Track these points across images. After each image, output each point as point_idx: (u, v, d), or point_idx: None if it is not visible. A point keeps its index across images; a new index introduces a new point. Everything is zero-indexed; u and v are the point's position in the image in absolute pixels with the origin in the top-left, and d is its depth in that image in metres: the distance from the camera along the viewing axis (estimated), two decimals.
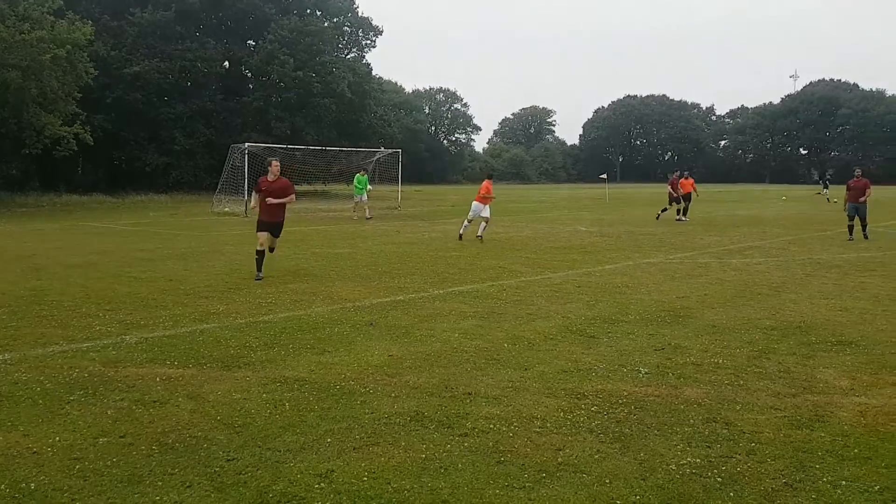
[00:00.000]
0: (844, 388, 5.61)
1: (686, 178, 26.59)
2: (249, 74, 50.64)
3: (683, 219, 25.24)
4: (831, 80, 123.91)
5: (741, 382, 5.74)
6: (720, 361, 6.37)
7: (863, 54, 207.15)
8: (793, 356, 6.55)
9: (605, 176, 49.28)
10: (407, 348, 6.79)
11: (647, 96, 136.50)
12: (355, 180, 27.15)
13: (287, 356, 6.52)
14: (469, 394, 5.42)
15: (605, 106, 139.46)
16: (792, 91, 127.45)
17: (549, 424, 4.79)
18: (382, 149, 40.16)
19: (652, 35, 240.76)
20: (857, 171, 19.13)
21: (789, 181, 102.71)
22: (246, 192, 29.04)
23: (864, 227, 18.12)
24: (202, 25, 48.53)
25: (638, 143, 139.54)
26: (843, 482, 3.90)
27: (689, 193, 26.12)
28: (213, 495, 3.77)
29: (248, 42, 50.22)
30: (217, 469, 4.08)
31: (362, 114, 50.76)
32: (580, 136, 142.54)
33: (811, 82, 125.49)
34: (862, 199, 18.02)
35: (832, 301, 9.33)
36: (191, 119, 44.15)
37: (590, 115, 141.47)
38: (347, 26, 55.00)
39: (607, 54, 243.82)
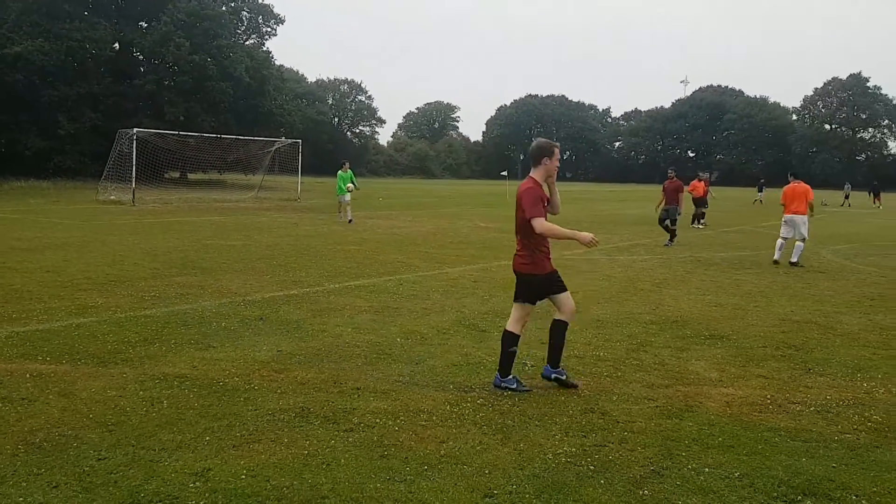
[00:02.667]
0: (713, 379, 5.96)
1: (698, 181, 24.13)
2: (141, 57, 48.44)
3: (699, 225, 23.31)
4: (718, 86, 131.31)
5: (619, 374, 6.00)
6: (601, 354, 6.63)
7: (748, 63, 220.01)
8: (668, 349, 6.89)
9: (505, 173, 50.20)
10: (297, 343, 6.69)
11: (548, 96, 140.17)
12: (338, 178, 21.75)
13: (168, 352, 6.29)
14: (358, 389, 5.40)
15: (508, 104, 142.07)
16: (682, 96, 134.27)
17: (435, 418, 4.84)
18: (283, 138, 39.34)
19: (555, 34, 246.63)
20: (671, 173, 18.21)
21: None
22: (134, 179, 27.81)
23: (672, 231, 17.15)
24: (91, 5, 45.95)
25: None
26: (707, 469, 4.13)
27: (703, 198, 23.99)
28: (80, 496, 3.60)
29: (141, 24, 47.96)
30: (86, 469, 3.90)
31: (261, 100, 49.57)
32: (483, 132, 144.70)
33: (700, 88, 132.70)
34: (674, 201, 17.41)
35: (708, 297, 9.89)
36: (76, 102, 41.73)
37: (493, 113, 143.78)
38: (246, 11, 53.51)
39: (511, 52, 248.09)
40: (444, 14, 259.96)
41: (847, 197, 47.09)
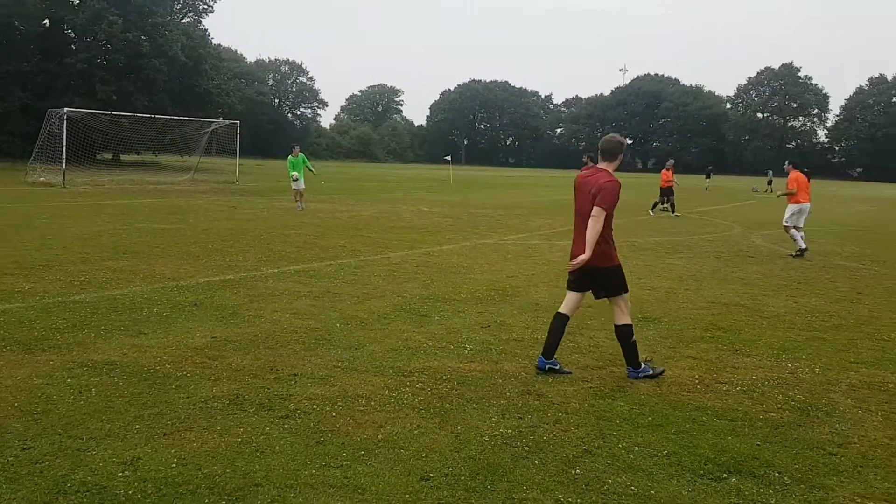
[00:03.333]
0: (645, 360, 6.10)
1: (667, 170, 23.96)
2: (72, 34, 46.54)
3: (672, 213, 23.03)
4: (656, 74, 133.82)
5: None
6: (539, 337, 6.70)
7: (684, 52, 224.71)
8: (603, 331, 7.03)
9: (449, 158, 50.30)
10: (232, 329, 6.57)
11: (491, 81, 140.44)
12: (288, 163, 20.17)
13: (97, 338, 6.10)
14: (295, 375, 5.34)
15: (452, 89, 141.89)
16: (621, 84, 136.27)
17: (373, 403, 4.83)
18: (221, 119, 38.44)
19: (498, 19, 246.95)
20: (586, 158, 17.77)
21: (617, 168, 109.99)
22: (64, 160, 26.79)
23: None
24: None
25: (482, 126, 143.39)
26: (637, 448, 4.25)
27: (670, 187, 23.55)
28: (4, 486, 3.48)
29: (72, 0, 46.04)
30: (10, 459, 3.77)
31: (198, 79, 48.27)
32: (427, 117, 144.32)
33: (638, 76, 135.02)
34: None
35: (642, 280, 10.12)
36: (4, 80, 39.97)
37: (437, 97, 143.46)
38: None
39: (454, 36, 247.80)
40: None
41: (770, 183, 48.73)
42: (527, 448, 4.17)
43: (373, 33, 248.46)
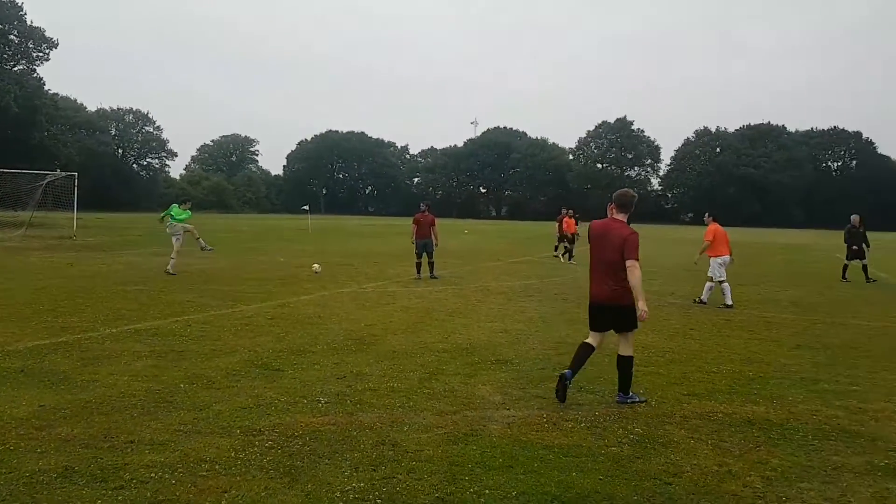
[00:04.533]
0: (497, 402, 6.26)
1: (570, 217, 24.31)
2: None
3: (571, 262, 22.90)
4: (505, 127, 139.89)
5: (411, 404, 6.11)
6: (395, 385, 6.72)
7: (531, 105, 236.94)
8: (458, 376, 7.15)
9: (307, 207, 49.76)
10: (63, 396, 6.06)
11: (348, 132, 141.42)
12: (173, 212, 17.97)
13: None
14: (131, 442, 4.99)
15: (309, 139, 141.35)
16: (473, 136, 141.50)
17: (217, 466, 4.60)
18: (58, 171, 35.93)
19: (354, 71, 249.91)
20: (424, 206, 17.71)
21: (473, 216, 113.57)
22: None
23: (430, 265, 17.06)
24: None
25: (340, 176, 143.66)
26: (487, 491, 4.32)
27: (574, 234, 23.75)
28: None
29: None
30: None
31: (31, 130, 45.02)
32: (284, 166, 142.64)
33: (489, 129, 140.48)
34: (428, 234, 17.11)
35: (495, 324, 10.42)
36: None
37: (293, 147, 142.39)
38: (14, 35, 48.62)
39: (310, 87, 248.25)
40: (235, 43, 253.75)
41: None
42: (380, 501, 4.12)
43: (225, 81, 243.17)
